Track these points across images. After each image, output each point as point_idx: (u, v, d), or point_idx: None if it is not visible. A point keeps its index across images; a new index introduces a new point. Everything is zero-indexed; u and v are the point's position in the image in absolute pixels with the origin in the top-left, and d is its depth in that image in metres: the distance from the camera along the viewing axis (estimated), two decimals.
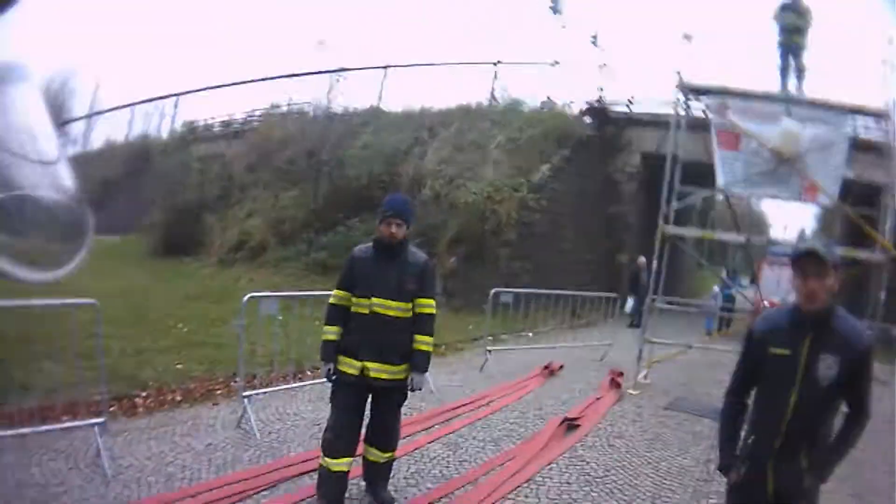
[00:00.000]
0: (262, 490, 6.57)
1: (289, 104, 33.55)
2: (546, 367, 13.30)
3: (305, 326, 10.59)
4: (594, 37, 39.37)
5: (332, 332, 6.12)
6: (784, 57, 15.37)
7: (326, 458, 6.06)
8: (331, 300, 6.27)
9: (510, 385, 11.87)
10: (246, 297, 8.96)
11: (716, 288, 27.05)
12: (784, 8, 15.27)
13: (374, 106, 32.22)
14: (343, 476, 6.12)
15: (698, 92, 14.87)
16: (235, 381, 9.75)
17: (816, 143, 13.75)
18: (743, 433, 4.19)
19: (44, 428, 6.97)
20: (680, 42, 14.80)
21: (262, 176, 27.49)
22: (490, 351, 13.54)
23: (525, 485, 7.27)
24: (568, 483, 7.46)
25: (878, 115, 14.56)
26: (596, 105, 30.36)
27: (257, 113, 35.97)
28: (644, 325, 14.53)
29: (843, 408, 4.07)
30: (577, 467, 8.04)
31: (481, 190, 22.43)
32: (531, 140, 25.20)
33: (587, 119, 29.63)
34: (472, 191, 22.37)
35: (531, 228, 22.84)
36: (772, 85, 15.40)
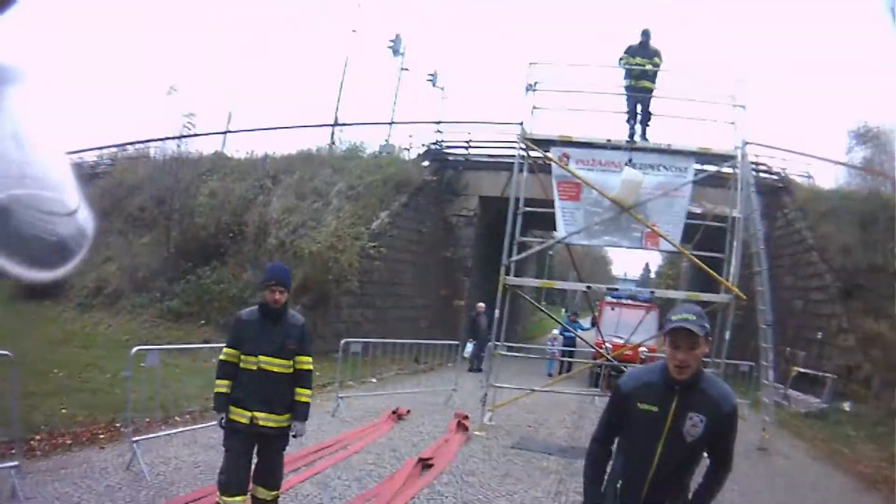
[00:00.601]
0: None
1: (137, 149, 33.33)
2: (394, 412, 13.90)
3: (172, 375, 11.18)
4: (432, 75, 41.10)
5: (223, 386, 6.68)
6: (631, 102, 15.89)
7: (223, 497, 6.63)
8: (221, 357, 6.83)
9: (363, 429, 12.46)
10: (134, 350, 9.39)
11: (555, 331, 27.27)
12: (630, 51, 15.82)
13: (219, 152, 32.46)
14: None
15: (541, 143, 15.32)
16: (117, 426, 10.18)
17: (660, 189, 14.48)
18: (609, 477, 4.37)
19: None
20: (524, 91, 15.10)
21: (116, 222, 27.12)
22: (342, 397, 14.13)
23: None
24: None
25: (725, 158, 15.29)
26: (434, 148, 31.40)
27: (106, 156, 35.45)
28: (488, 371, 15.16)
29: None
30: (437, 501, 8.74)
31: (324, 239, 22.90)
32: (371, 187, 26.25)
33: (425, 163, 30.44)
34: (316, 240, 22.87)
35: (371, 276, 23.67)
36: (620, 131, 15.94)
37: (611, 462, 4.44)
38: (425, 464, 10.16)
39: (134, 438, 8.81)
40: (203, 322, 21.35)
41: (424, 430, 13.11)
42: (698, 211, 18.40)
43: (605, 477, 4.38)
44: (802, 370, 21.52)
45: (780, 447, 14.78)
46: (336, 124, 35.06)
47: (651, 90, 15.91)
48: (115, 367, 12.59)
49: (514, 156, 18.73)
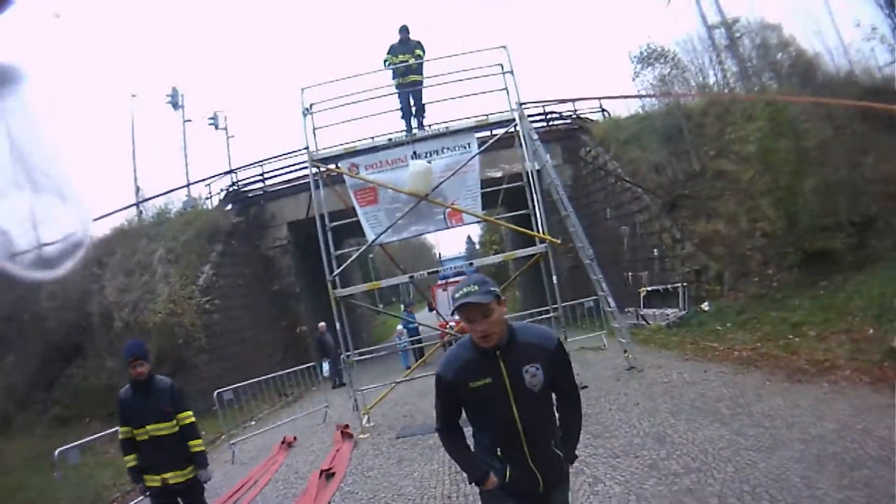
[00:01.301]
0: None
1: None
2: (283, 442, 15.00)
3: (83, 471, 12.22)
4: (213, 118, 41.80)
5: (131, 459, 7.65)
6: (403, 99, 17.14)
7: None
8: (120, 436, 7.79)
9: (263, 465, 13.55)
10: (57, 452, 11.06)
11: (400, 326, 28.53)
12: (392, 51, 17.07)
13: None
14: None
15: (330, 159, 16.60)
16: None
17: (449, 170, 15.64)
18: (482, 451, 4.45)
19: None
20: (302, 115, 16.12)
21: None
22: (233, 444, 15.16)
23: None
24: None
25: (504, 123, 16.72)
26: (233, 190, 32.24)
27: None
28: (350, 379, 16.38)
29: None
30: (351, 498, 9.94)
31: (163, 308, 23.53)
32: (187, 245, 26.77)
33: (228, 207, 31.16)
34: (156, 311, 23.46)
35: (214, 330, 24.30)
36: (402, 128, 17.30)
37: (470, 439, 4.61)
38: (328, 474, 11.39)
39: None
40: (88, 420, 20.56)
41: (315, 448, 14.24)
42: (499, 175, 19.80)
43: (475, 452, 4.54)
44: (651, 288, 23.03)
45: (649, 361, 15.95)
46: (138, 203, 34.80)
47: (420, 82, 17.14)
48: (35, 482, 13.38)
49: (308, 176, 19.68)
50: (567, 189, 26.04)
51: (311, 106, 16.46)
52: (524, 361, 4.15)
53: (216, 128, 42.80)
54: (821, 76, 24.76)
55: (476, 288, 4.05)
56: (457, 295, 4.09)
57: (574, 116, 31.82)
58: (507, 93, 16.68)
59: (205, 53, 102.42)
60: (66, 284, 24.98)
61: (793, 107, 20.37)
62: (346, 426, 14.89)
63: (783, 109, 20.01)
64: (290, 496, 10.84)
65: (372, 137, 17.08)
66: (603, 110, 31.90)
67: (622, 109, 30.47)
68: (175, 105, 40.90)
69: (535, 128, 21.91)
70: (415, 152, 16.13)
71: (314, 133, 16.59)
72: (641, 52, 28.65)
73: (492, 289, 4.11)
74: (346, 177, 16.47)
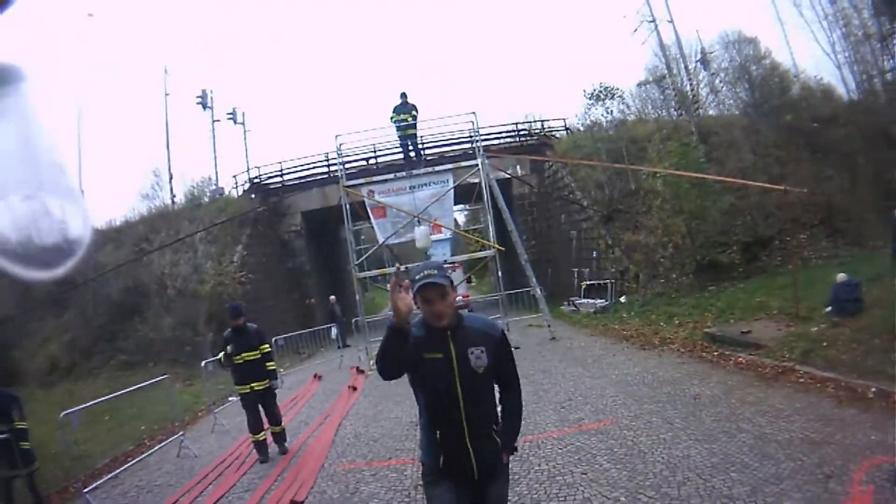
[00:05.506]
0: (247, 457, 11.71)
1: None
2: (315, 376, 20.60)
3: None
4: (231, 114, 44.82)
5: (222, 356, 11.12)
6: (404, 146, 23.33)
7: (253, 436, 11.06)
8: (221, 353, 11.21)
9: (305, 388, 18.88)
10: (204, 362, 17.04)
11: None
12: (396, 110, 22.75)
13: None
14: (264, 442, 11.14)
15: (354, 186, 22.54)
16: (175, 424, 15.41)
17: (433, 197, 21.84)
18: (425, 433, 4.50)
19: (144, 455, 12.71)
20: (337, 154, 23.53)
21: (34, 308, 28.16)
22: (284, 374, 20.79)
23: (352, 409, 14.39)
24: (371, 406, 14.57)
25: (470, 168, 22.96)
26: (256, 182, 36.85)
27: None
28: (364, 334, 22.72)
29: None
30: (370, 397, 15.63)
31: (211, 279, 28.81)
32: (222, 228, 31.39)
33: (252, 196, 36.24)
34: (206, 282, 28.70)
35: (246, 298, 28.15)
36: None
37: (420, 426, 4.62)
38: (352, 387, 17.07)
39: (216, 410, 15.37)
40: (153, 364, 24.83)
41: (337, 379, 19.56)
42: (476, 180, 23.97)
43: (421, 438, 4.61)
44: (589, 282, 27.87)
45: (567, 335, 20.87)
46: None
47: (415, 134, 23.34)
48: (137, 404, 16.90)
49: (320, 174, 30.38)
50: (533, 195, 33.26)
51: (340, 146, 22.88)
52: (470, 343, 4.30)
53: (234, 122, 45.41)
54: (797, 91, 29.01)
55: (436, 272, 4.24)
56: (418, 277, 4.23)
57: (541, 133, 36.78)
58: (478, 146, 23.48)
59: (230, 51, 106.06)
60: (119, 256, 29.15)
61: (701, 143, 25.43)
62: (359, 367, 20.43)
63: (690, 150, 23.86)
64: (330, 399, 16.25)
65: (376, 164, 24.92)
66: (567, 129, 36.53)
67: (578, 126, 35.26)
68: (204, 106, 43.46)
69: (508, 143, 30.87)
70: (411, 186, 22.72)
71: (343, 165, 23.28)
72: (594, 90, 32.69)
73: (448, 275, 4.33)
74: (365, 199, 22.51)
